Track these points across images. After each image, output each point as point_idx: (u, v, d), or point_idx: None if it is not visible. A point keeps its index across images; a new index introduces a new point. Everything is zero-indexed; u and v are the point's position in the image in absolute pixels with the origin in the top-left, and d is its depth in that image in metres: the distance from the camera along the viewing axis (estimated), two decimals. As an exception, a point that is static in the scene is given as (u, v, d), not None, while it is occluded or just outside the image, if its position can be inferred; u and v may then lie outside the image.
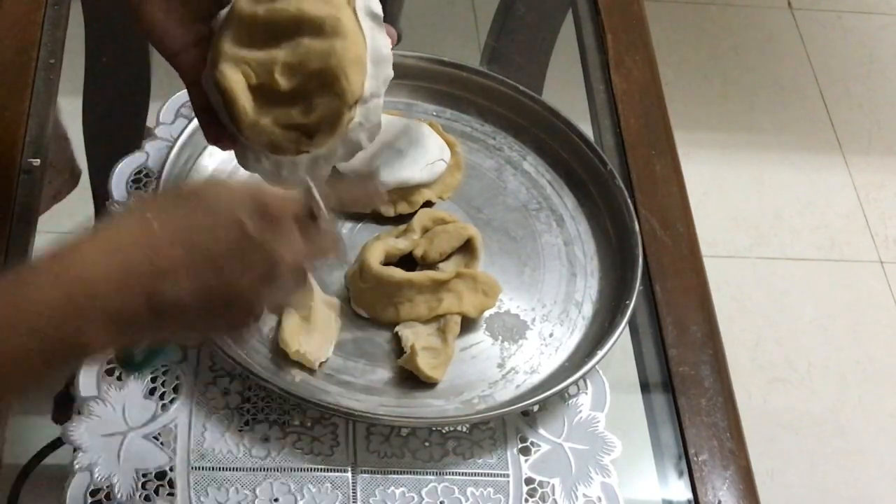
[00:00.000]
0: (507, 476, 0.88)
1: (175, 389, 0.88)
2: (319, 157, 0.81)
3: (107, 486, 0.83)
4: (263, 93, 0.79)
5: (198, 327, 0.68)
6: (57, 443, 0.88)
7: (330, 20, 0.78)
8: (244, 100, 0.79)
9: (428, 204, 1.02)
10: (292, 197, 0.69)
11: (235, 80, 0.79)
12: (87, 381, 0.87)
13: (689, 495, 0.90)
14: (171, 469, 0.84)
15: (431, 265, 0.96)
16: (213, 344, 0.81)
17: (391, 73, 0.81)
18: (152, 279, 0.62)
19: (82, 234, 0.63)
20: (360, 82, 0.79)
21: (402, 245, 0.96)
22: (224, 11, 0.80)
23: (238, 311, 0.66)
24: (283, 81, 0.79)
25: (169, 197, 0.68)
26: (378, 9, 0.80)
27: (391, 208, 1.01)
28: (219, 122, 0.81)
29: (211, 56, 0.80)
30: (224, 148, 0.84)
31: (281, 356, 0.89)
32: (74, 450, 0.84)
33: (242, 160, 0.83)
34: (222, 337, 0.72)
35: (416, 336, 0.91)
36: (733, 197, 2.22)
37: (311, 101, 0.79)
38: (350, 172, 0.99)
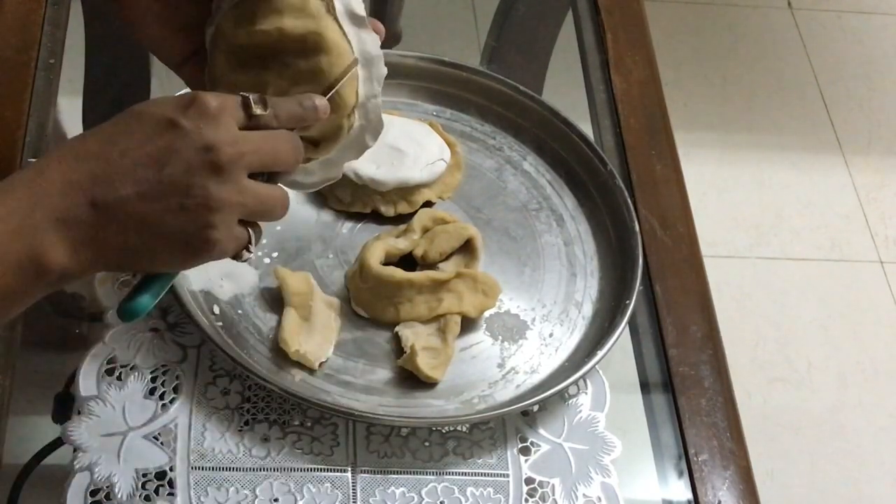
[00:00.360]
0: (507, 476, 0.88)
1: (175, 389, 0.88)
2: (330, 161, 0.82)
3: (107, 486, 0.83)
4: None
5: (158, 236, 0.66)
6: (57, 443, 0.88)
7: (311, 37, 0.77)
8: None
9: (428, 204, 1.02)
10: (226, 94, 0.69)
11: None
12: (87, 381, 0.87)
13: (689, 495, 0.90)
14: (171, 469, 0.84)
15: (431, 265, 0.96)
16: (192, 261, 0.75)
17: (384, 71, 0.81)
18: (92, 183, 0.63)
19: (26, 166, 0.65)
20: (353, 92, 0.79)
21: (402, 245, 0.96)
22: (210, 30, 0.79)
23: (194, 211, 0.65)
24: None
25: (99, 123, 0.68)
26: (359, 8, 0.80)
27: (391, 208, 1.01)
28: None
29: (208, 78, 0.80)
30: None
31: (281, 356, 0.89)
32: (74, 450, 0.84)
33: None
34: (205, 256, 0.70)
35: (416, 336, 0.91)
36: (733, 197, 2.22)
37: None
38: (350, 173, 0.99)
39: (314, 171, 0.82)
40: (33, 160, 1.00)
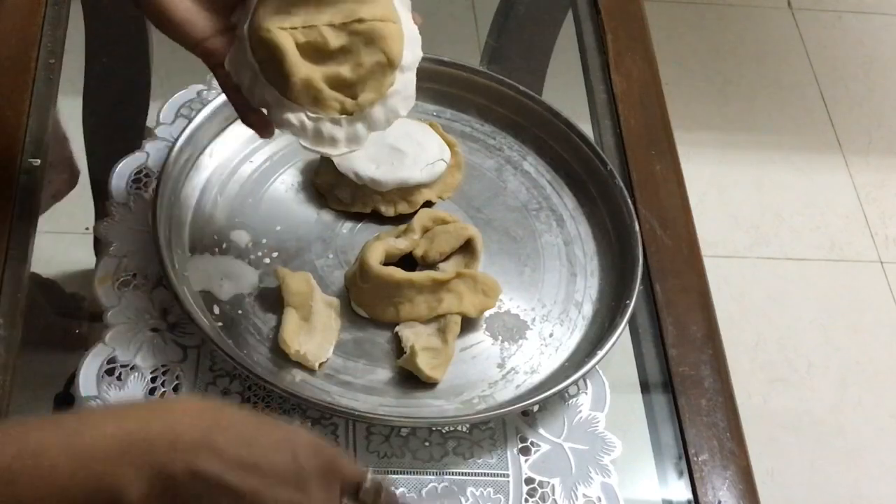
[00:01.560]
0: (507, 476, 0.88)
1: (175, 389, 0.88)
2: (358, 121, 0.84)
3: (107, 486, 0.82)
4: (312, 51, 0.83)
5: None
6: (57, 443, 0.88)
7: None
8: (294, 55, 0.82)
9: (428, 204, 1.02)
10: (353, 469, 0.70)
11: (284, 36, 0.82)
12: (86, 381, 0.87)
13: (689, 495, 0.90)
14: (171, 469, 0.84)
15: (431, 265, 0.96)
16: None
17: (421, 54, 0.86)
18: (203, 451, 0.64)
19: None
20: (402, 47, 0.84)
21: (402, 245, 0.96)
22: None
23: None
24: (331, 38, 0.82)
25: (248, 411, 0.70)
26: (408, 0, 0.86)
27: (391, 208, 1.01)
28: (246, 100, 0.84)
29: (249, 27, 0.82)
30: (256, 125, 0.87)
31: (281, 356, 0.89)
32: (74, 450, 0.84)
33: (281, 121, 0.84)
34: None
35: (416, 336, 0.91)
36: (733, 197, 2.22)
37: (359, 59, 0.83)
38: (350, 173, 0.99)
39: (342, 126, 0.83)
40: (33, 160, 1.00)
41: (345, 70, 0.83)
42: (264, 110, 0.85)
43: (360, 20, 0.82)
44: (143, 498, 0.63)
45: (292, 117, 0.83)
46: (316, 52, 0.83)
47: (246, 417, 0.68)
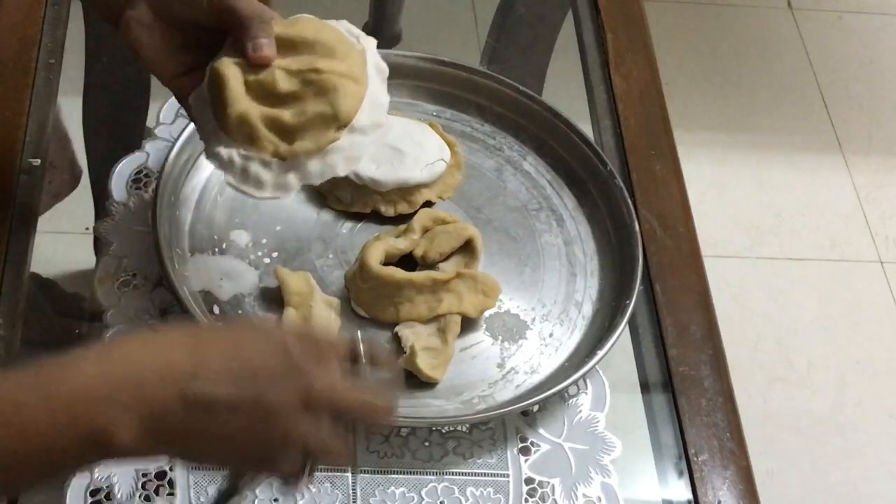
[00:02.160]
0: (507, 476, 0.88)
1: (175, 389, 0.88)
2: (291, 169, 0.82)
3: (107, 486, 0.83)
4: (258, 90, 0.81)
5: (225, 443, 0.65)
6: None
7: (342, 48, 0.82)
8: (235, 86, 0.81)
9: (428, 204, 1.02)
10: (341, 341, 0.69)
11: (231, 69, 0.81)
12: (87, 381, 0.87)
13: (689, 495, 0.90)
14: (170, 469, 0.84)
15: (431, 265, 0.96)
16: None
17: (383, 121, 0.84)
18: (190, 376, 0.62)
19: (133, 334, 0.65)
20: (355, 106, 0.82)
21: (402, 245, 0.96)
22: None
23: (271, 433, 0.65)
24: (281, 81, 0.81)
25: (217, 324, 0.71)
26: (385, 69, 0.85)
27: (391, 208, 1.01)
28: None
29: (211, 62, 0.83)
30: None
31: (281, 356, 0.89)
32: (74, 450, 0.84)
33: (212, 153, 0.83)
34: (263, 471, 0.69)
35: (416, 336, 0.91)
36: (733, 197, 2.22)
37: (305, 106, 0.81)
38: (350, 173, 0.99)
39: (272, 169, 0.82)
40: (33, 160, 1.00)
41: (287, 115, 0.81)
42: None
43: (316, 70, 0.81)
44: (136, 437, 0.61)
45: (223, 151, 0.82)
46: (263, 92, 0.81)
47: (226, 332, 0.67)
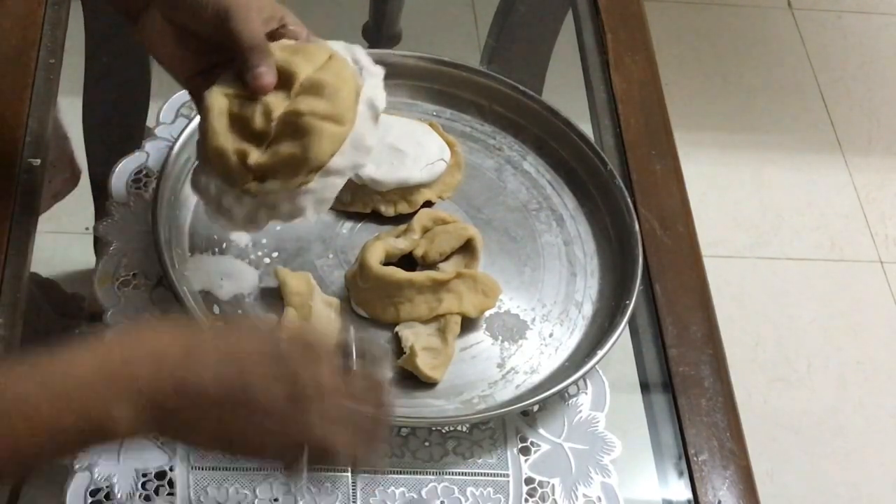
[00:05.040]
0: (507, 476, 0.88)
1: (175, 389, 0.88)
2: (262, 207, 0.83)
3: (107, 486, 0.83)
4: (239, 124, 0.82)
5: (221, 436, 0.67)
6: (57, 443, 0.88)
7: (331, 87, 0.81)
8: (217, 120, 0.82)
9: (428, 204, 1.02)
10: (333, 341, 0.70)
11: (217, 101, 0.82)
12: (87, 381, 0.87)
13: (689, 495, 0.90)
14: (171, 469, 0.84)
15: (431, 265, 0.96)
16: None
17: (364, 165, 0.84)
18: (183, 366, 0.64)
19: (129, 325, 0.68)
20: (330, 151, 0.82)
21: (402, 245, 0.96)
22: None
23: (259, 425, 0.66)
24: (258, 119, 0.82)
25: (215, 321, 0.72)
26: (380, 105, 0.84)
27: (391, 208, 1.01)
28: None
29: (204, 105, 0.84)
30: None
31: (281, 356, 0.89)
32: (74, 450, 0.84)
33: (194, 179, 0.86)
34: (256, 460, 0.73)
35: (416, 336, 0.91)
36: (733, 197, 2.22)
37: (279, 147, 0.82)
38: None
39: (244, 203, 0.83)
40: (34, 160, 1.00)
41: (258, 153, 0.82)
42: None
43: (296, 112, 0.81)
44: (133, 424, 0.63)
45: (203, 179, 0.84)
46: (242, 126, 0.82)
47: (220, 329, 0.69)
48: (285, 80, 0.82)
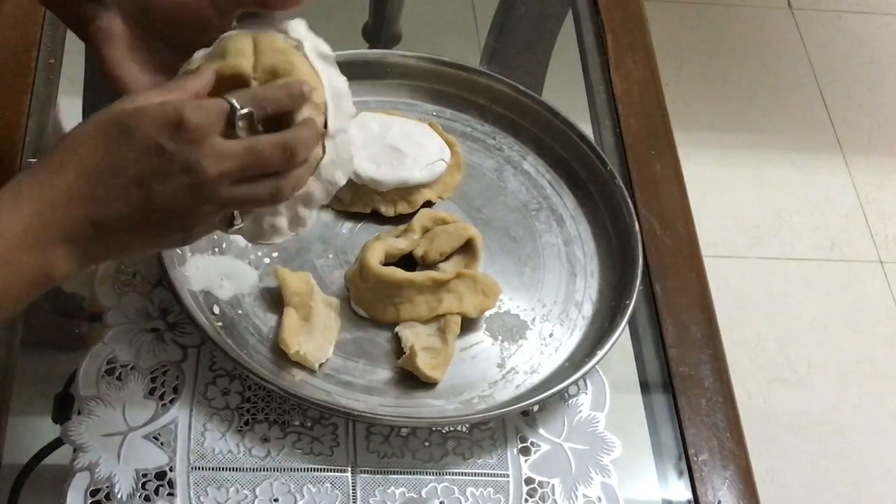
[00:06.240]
0: (507, 476, 0.88)
1: (175, 389, 0.88)
2: (298, 205, 0.81)
3: (107, 486, 0.83)
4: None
5: (151, 239, 0.74)
6: (57, 443, 0.88)
7: (282, 64, 0.79)
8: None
9: (428, 204, 1.02)
10: (211, 105, 0.72)
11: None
12: (87, 381, 0.87)
13: (689, 495, 0.90)
14: (171, 469, 0.84)
15: (431, 265, 0.96)
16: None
17: (353, 109, 0.82)
18: (92, 202, 0.70)
19: (25, 171, 0.71)
20: (321, 121, 0.79)
21: (402, 245, 0.96)
22: (183, 68, 0.80)
23: (181, 221, 0.73)
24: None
25: (90, 128, 0.72)
26: (328, 50, 0.82)
27: (391, 208, 1.01)
28: None
29: None
30: None
31: (281, 356, 0.89)
32: (74, 450, 0.84)
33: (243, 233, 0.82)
34: (194, 240, 0.77)
35: (415, 336, 0.91)
36: (733, 197, 2.22)
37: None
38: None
39: (281, 214, 0.81)
40: (33, 160, 1.00)
41: None
42: None
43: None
44: (71, 265, 0.71)
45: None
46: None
47: (98, 144, 0.71)
48: (240, 83, 0.78)
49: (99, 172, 0.70)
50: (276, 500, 0.84)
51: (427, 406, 0.89)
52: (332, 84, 0.80)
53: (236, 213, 0.76)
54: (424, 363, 0.89)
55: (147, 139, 0.70)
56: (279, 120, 0.77)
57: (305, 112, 0.77)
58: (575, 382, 0.91)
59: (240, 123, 0.73)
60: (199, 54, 0.79)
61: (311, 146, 0.77)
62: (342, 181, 0.82)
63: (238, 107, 0.73)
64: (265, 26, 0.81)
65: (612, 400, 0.93)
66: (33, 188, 0.70)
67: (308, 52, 0.80)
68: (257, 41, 0.80)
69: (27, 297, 0.71)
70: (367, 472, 0.86)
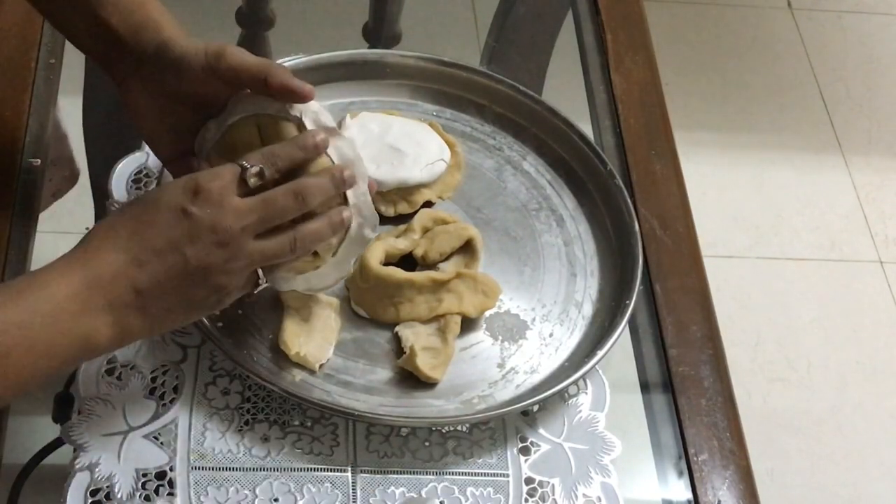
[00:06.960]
0: (507, 476, 0.88)
1: (175, 389, 0.88)
2: (338, 261, 0.86)
3: (107, 486, 0.83)
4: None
5: (188, 305, 0.78)
6: (57, 443, 0.89)
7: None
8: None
9: (428, 204, 1.02)
10: (222, 169, 0.78)
11: None
12: (87, 381, 0.87)
13: (689, 495, 0.90)
14: (171, 469, 0.84)
15: (431, 265, 0.96)
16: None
17: (366, 170, 0.85)
18: (134, 270, 0.75)
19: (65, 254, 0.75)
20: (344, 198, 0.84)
21: (402, 245, 0.96)
22: (200, 135, 0.87)
23: (215, 279, 0.77)
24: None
25: (123, 210, 0.78)
26: (329, 121, 0.85)
27: (391, 208, 1.01)
28: None
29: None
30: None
31: (281, 356, 0.89)
32: (74, 450, 0.84)
33: (276, 284, 0.87)
34: (218, 303, 0.81)
35: (416, 336, 0.91)
36: (733, 197, 2.22)
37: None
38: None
39: (327, 273, 0.87)
40: (33, 160, 1.00)
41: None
42: None
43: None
44: (113, 334, 0.74)
45: (281, 280, 0.87)
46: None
47: (133, 218, 0.76)
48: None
49: (136, 243, 0.75)
50: (276, 500, 0.84)
51: (427, 406, 0.89)
52: (340, 152, 0.84)
53: (260, 272, 0.81)
54: (424, 363, 0.89)
55: (173, 207, 0.76)
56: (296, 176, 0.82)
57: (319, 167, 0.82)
58: (575, 382, 0.91)
59: (252, 180, 0.78)
60: (213, 123, 0.86)
61: (324, 191, 0.81)
62: (372, 236, 0.86)
63: (248, 166, 0.78)
64: (267, 100, 0.84)
65: (612, 400, 0.93)
66: (77, 262, 0.75)
67: (309, 128, 0.84)
68: (262, 129, 0.84)
69: (70, 360, 0.75)
70: (367, 471, 0.86)
